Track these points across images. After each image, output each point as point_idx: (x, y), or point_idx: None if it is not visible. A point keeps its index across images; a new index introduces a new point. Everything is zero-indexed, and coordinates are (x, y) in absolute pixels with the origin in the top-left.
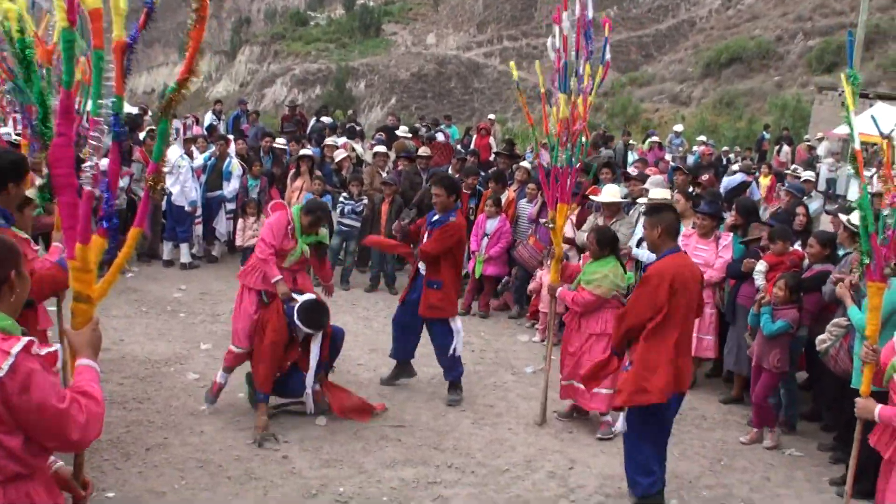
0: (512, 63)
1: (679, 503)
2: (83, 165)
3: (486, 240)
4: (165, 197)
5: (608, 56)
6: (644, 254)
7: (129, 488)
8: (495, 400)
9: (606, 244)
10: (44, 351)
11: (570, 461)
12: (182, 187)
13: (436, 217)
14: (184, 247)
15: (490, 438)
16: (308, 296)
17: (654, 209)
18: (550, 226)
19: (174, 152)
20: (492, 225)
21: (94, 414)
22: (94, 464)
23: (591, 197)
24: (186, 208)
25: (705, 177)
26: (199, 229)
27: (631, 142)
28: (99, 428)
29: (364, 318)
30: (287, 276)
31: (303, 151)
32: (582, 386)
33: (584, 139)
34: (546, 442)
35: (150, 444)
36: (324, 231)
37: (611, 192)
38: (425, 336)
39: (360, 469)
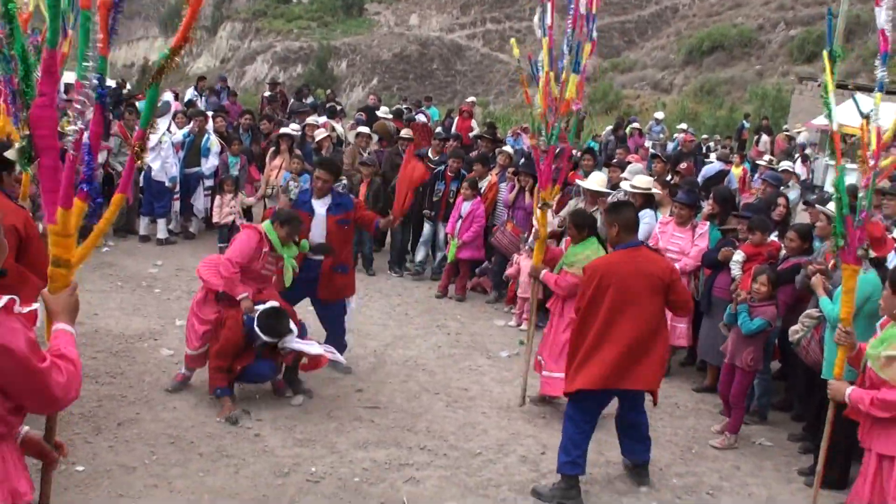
0: (513, 40)
1: (649, 490)
2: (66, 129)
3: (460, 223)
4: (143, 172)
5: (594, 35)
6: None
7: (98, 462)
8: (469, 384)
9: (585, 226)
10: (25, 310)
11: (543, 446)
12: (163, 163)
13: (332, 202)
14: (161, 222)
15: (463, 422)
16: (269, 303)
17: (613, 207)
18: (550, 205)
19: (161, 126)
20: (466, 208)
21: (73, 375)
22: (65, 437)
23: (577, 181)
24: (167, 184)
25: (684, 165)
26: (176, 205)
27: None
28: (78, 389)
29: None
30: (252, 288)
31: (283, 129)
32: (545, 374)
33: (576, 120)
34: (519, 426)
35: (122, 419)
36: (303, 242)
37: (597, 180)
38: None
39: (333, 449)
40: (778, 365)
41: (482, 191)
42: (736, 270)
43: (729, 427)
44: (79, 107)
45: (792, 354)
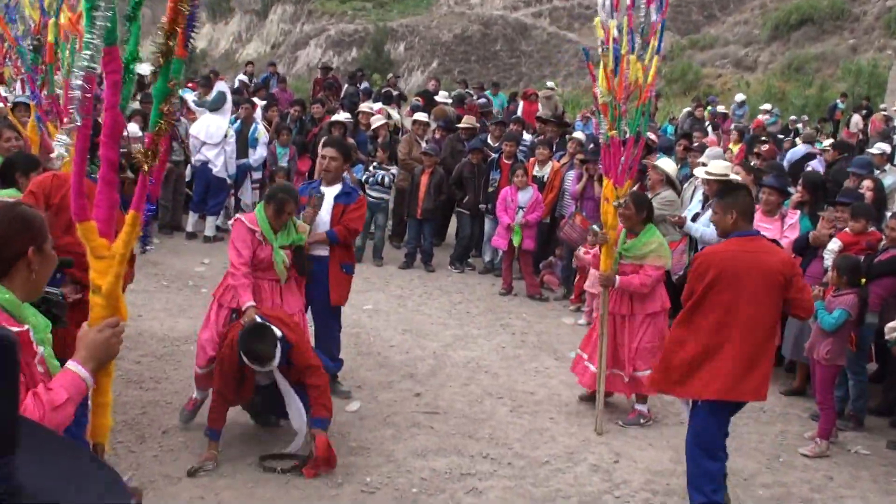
0: (597, 20)
1: (734, 501)
2: (64, 127)
3: (520, 212)
4: (191, 167)
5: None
6: (699, 229)
7: (143, 472)
8: (536, 387)
9: (644, 207)
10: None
11: (615, 454)
12: (227, 159)
13: (342, 189)
14: (210, 219)
15: (529, 428)
16: (257, 319)
17: (728, 191)
18: (623, 203)
19: (220, 123)
20: (524, 197)
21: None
22: (109, 446)
23: (698, 174)
24: (228, 181)
25: (764, 147)
26: (231, 202)
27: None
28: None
29: (398, 297)
30: (269, 292)
31: (335, 117)
32: (617, 371)
33: (650, 107)
34: (589, 433)
35: (167, 427)
36: (302, 227)
37: (666, 164)
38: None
39: (389, 458)
40: (875, 366)
41: (545, 178)
42: (829, 260)
43: (819, 432)
44: (72, 108)
45: (889, 354)
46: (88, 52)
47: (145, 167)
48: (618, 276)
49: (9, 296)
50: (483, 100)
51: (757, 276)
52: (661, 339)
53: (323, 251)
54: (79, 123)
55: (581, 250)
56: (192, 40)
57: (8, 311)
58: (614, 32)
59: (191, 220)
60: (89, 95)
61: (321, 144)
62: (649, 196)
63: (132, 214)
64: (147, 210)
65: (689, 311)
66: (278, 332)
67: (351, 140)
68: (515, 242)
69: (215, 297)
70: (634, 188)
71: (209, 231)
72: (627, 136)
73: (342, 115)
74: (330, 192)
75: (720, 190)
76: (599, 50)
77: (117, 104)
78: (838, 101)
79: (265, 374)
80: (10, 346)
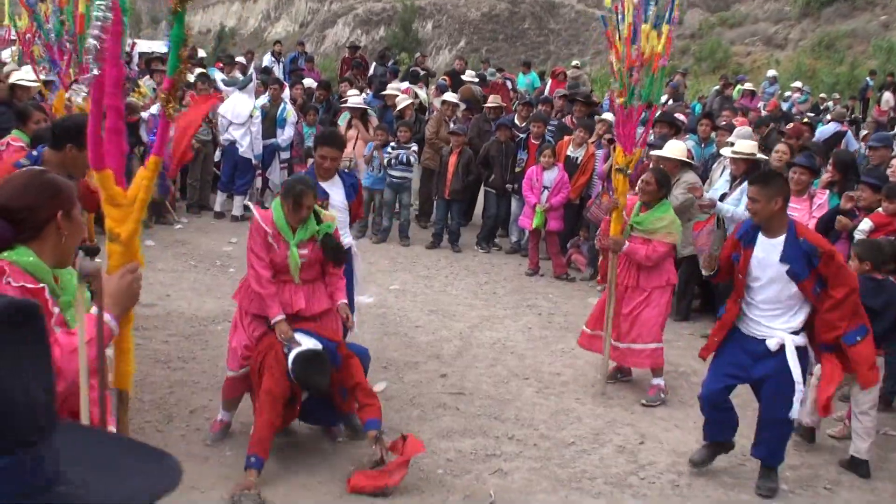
0: None
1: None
2: (84, 76)
3: (545, 193)
4: (219, 147)
5: None
6: (729, 209)
7: (170, 451)
8: (562, 368)
9: (665, 184)
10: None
11: (641, 436)
12: (253, 139)
13: (346, 184)
14: (237, 198)
15: (555, 409)
16: (310, 343)
17: (767, 177)
18: (627, 172)
19: (247, 103)
20: (549, 177)
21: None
22: (136, 425)
23: (652, 152)
24: (253, 161)
25: (790, 125)
26: (258, 182)
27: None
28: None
29: (424, 277)
30: (299, 294)
31: (351, 101)
32: (636, 346)
33: (661, 77)
34: (616, 414)
35: (194, 406)
36: (328, 216)
37: (675, 148)
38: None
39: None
40: None
41: (579, 161)
42: None
43: (848, 413)
44: (93, 47)
45: None
46: (103, 3)
47: (169, 111)
48: (627, 242)
49: (33, 259)
50: (508, 83)
51: None
52: (661, 315)
53: (348, 239)
54: (96, 73)
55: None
56: None
57: (30, 273)
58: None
59: (219, 199)
60: (106, 45)
61: (317, 141)
62: (736, 184)
63: (153, 159)
64: (161, 186)
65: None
66: (318, 344)
67: (374, 119)
68: (534, 224)
69: (240, 304)
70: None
71: (237, 210)
72: (638, 104)
73: (354, 99)
74: (329, 189)
75: (757, 177)
76: (614, 18)
77: (119, 54)
78: (868, 79)
79: None
80: (35, 312)
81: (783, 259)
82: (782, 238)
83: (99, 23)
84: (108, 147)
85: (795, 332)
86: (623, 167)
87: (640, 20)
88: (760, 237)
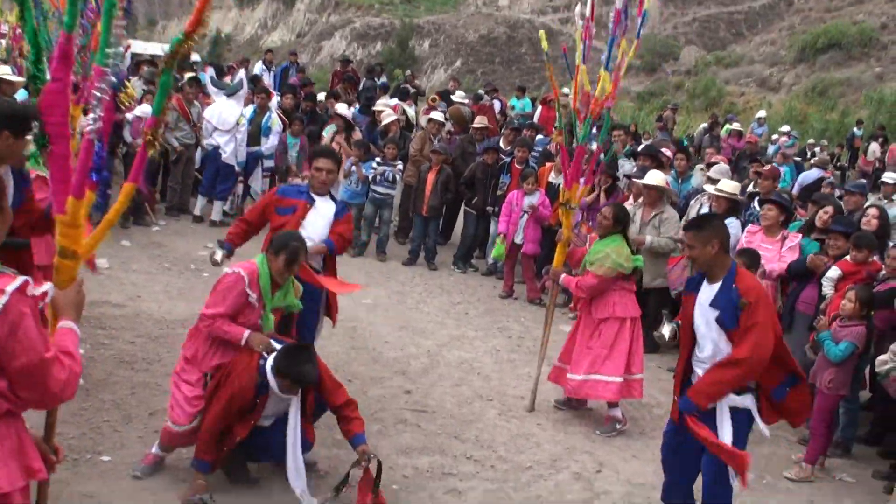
0: (542, 32)
1: None
2: (87, 116)
3: (524, 217)
4: (202, 150)
5: (641, 33)
6: (660, 241)
7: (126, 453)
8: (526, 391)
9: (622, 220)
10: (38, 291)
11: (599, 464)
12: (237, 146)
13: (338, 205)
14: (217, 204)
15: (516, 432)
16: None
17: (701, 222)
18: (571, 207)
19: (234, 109)
20: (529, 202)
21: (73, 375)
22: (94, 424)
23: (633, 179)
24: (236, 168)
25: (766, 167)
26: (240, 188)
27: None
28: (74, 390)
29: (398, 293)
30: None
31: (337, 107)
32: (593, 377)
33: (608, 119)
34: (575, 441)
35: (154, 409)
36: (297, 289)
37: (655, 177)
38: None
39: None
40: (868, 395)
41: (560, 186)
42: (828, 288)
43: (807, 456)
44: (99, 94)
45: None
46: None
47: (151, 146)
48: (563, 275)
49: None
50: (497, 104)
51: None
52: (606, 348)
53: (315, 263)
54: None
55: None
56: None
57: None
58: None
59: (199, 203)
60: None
61: (314, 154)
62: (652, 214)
63: (127, 187)
64: (101, 178)
65: (777, 346)
66: None
67: (359, 134)
68: (493, 255)
69: (192, 359)
70: (593, 194)
71: (216, 216)
72: (578, 144)
73: (341, 108)
74: (321, 203)
75: (691, 222)
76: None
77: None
78: (855, 128)
79: (278, 404)
80: None
81: (713, 304)
82: (719, 284)
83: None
84: (54, 173)
85: (737, 393)
86: (565, 202)
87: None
88: (704, 284)
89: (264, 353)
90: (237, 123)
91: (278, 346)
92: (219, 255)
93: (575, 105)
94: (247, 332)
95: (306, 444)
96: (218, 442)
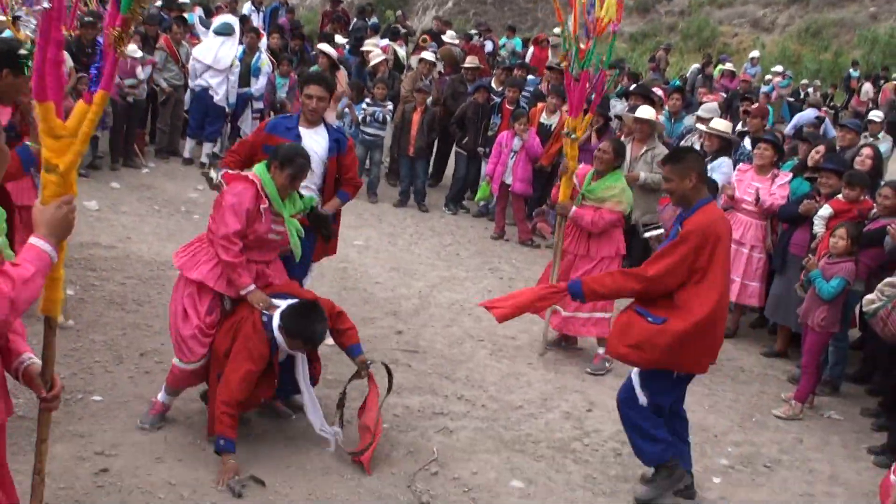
0: None
1: (701, 457)
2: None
3: (513, 157)
4: (190, 92)
5: None
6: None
7: (117, 393)
8: (517, 332)
9: (621, 154)
10: None
11: (590, 403)
12: (229, 88)
13: (330, 137)
14: (207, 145)
15: (506, 372)
16: (291, 299)
17: (677, 155)
18: (573, 136)
19: (229, 51)
20: (519, 142)
21: (3, 295)
22: (85, 365)
23: (622, 116)
24: (227, 109)
25: (755, 105)
26: (227, 129)
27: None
28: (6, 313)
29: (389, 234)
30: (252, 271)
31: (320, 46)
32: (581, 314)
33: (612, 45)
34: (566, 380)
35: (145, 349)
36: (308, 193)
37: (646, 111)
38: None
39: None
40: (858, 333)
41: (552, 128)
42: (819, 227)
43: (796, 394)
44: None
45: None
46: None
47: (119, 49)
48: (574, 208)
49: None
50: (489, 44)
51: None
52: None
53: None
54: (47, 6)
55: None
56: None
57: None
58: None
59: (188, 145)
60: None
61: (304, 80)
62: (643, 149)
63: (101, 94)
64: (102, 122)
65: (696, 282)
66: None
67: (344, 73)
68: (477, 197)
69: (185, 273)
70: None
71: (205, 157)
72: (584, 70)
73: (326, 46)
74: (311, 137)
75: (668, 155)
76: None
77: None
78: (851, 69)
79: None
80: None
81: (671, 237)
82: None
83: None
84: (48, 79)
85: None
86: (569, 131)
87: None
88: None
89: (264, 312)
90: (231, 65)
91: (277, 303)
92: (213, 173)
93: (575, 31)
94: (250, 286)
95: (313, 380)
96: (237, 415)
